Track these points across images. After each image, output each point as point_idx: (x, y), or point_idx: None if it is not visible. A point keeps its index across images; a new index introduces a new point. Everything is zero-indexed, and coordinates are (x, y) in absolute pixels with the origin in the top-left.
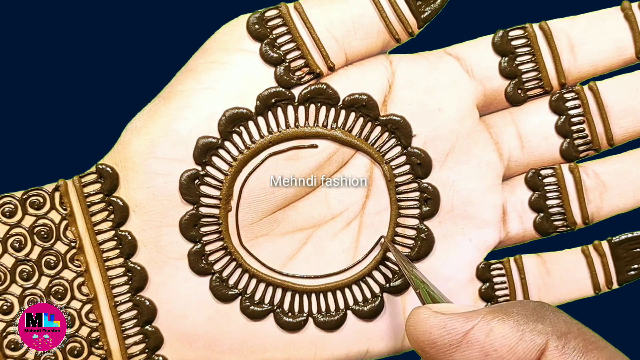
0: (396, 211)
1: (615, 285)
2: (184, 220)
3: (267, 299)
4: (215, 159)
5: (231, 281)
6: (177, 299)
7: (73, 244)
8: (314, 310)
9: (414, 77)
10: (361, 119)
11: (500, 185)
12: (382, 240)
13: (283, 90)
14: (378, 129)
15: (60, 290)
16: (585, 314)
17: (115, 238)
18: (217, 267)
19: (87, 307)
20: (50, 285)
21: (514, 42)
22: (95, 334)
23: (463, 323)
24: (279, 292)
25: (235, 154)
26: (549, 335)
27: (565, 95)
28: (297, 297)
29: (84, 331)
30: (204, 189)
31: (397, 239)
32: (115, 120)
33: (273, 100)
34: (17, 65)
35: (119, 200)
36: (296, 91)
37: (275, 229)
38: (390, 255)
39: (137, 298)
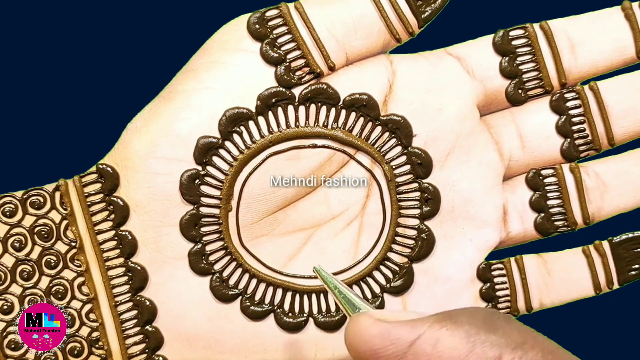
0: (397, 211)
1: (616, 285)
2: (185, 220)
3: (267, 299)
4: (215, 159)
5: (231, 281)
6: (177, 299)
7: (73, 244)
8: (315, 310)
9: (415, 77)
10: (362, 119)
11: (501, 185)
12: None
13: (283, 90)
14: (378, 129)
15: (61, 290)
16: (586, 314)
17: (116, 238)
18: (217, 267)
19: (88, 307)
20: (51, 285)
21: (514, 42)
22: (95, 334)
23: (408, 332)
24: (279, 292)
25: (235, 153)
26: (503, 347)
27: (566, 95)
28: (297, 297)
29: (84, 331)
30: (205, 188)
31: (398, 239)
32: (115, 120)
33: (273, 100)
34: (17, 65)
35: (119, 200)
36: (296, 91)
37: (275, 229)
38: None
39: (138, 298)
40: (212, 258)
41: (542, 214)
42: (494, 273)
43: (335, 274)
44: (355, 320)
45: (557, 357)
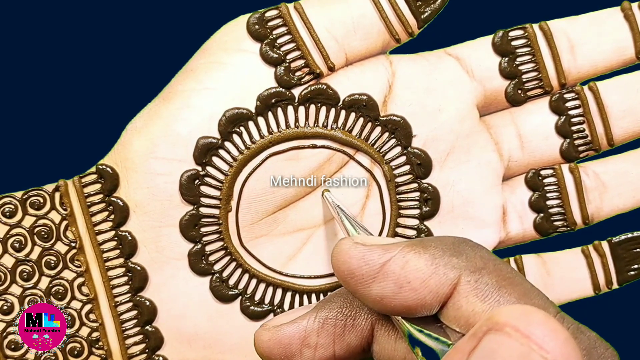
0: (396, 211)
1: (615, 286)
2: (184, 221)
3: (267, 299)
4: (215, 159)
5: (231, 281)
6: (177, 299)
7: (73, 244)
8: None
9: (414, 78)
10: (361, 119)
11: (500, 186)
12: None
13: (283, 90)
14: (378, 129)
15: (61, 291)
16: (586, 314)
17: (116, 238)
18: (217, 267)
19: (87, 307)
20: (51, 285)
21: (514, 43)
22: (95, 334)
23: (381, 254)
24: (279, 292)
25: (235, 154)
26: (463, 270)
27: (566, 96)
28: (297, 297)
29: (84, 331)
30: (204, 189)
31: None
32: (115, 121)
33: (273, 101)
34: (17, 65)
35: (119, 201)
36: (296, 91)
37: (275, 229)
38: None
39: (138, 298)
40: (212, 258)
41: (542, 214)
42: None
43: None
44: (338, 244)
45: (512, 283)
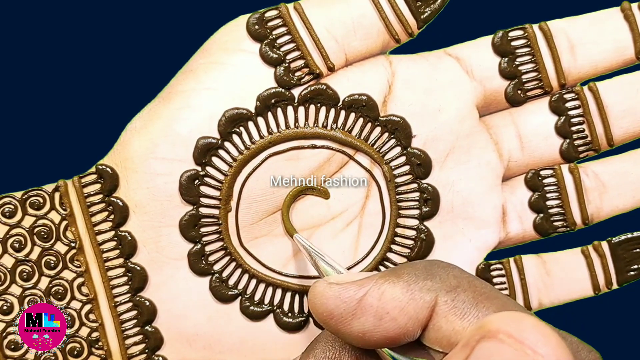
0: (396, 212)
1: (615, 286)
2: (184, 221)
3: (267, 299)
4: (215, 160)
5: (231, 281)
6: (177, 299)
7: (73, 245)
8: None
9: (414, 78)
10: (361, 120)
11: (500, 186)
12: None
13: (283, 90)
14: (378, 130)
15: (60, 291)
16: (585, 314)
17: (115, 238)
18: (217, 267)
19: (87, 307)
20: (50, 285)
21: (513, 43)
22: (95, 334)
23: (356, 290)
24: (278, 292)
25: (235, 154)
26: (438, 291)
27: (565, 96)
28: (297, 297)
29: (84, 331)
30: (204, 189)
31: (397, 239)
32: (115, 121)
33: (273, 101)
34: (17, 65)
35: (118, 201)
36: (296, 92)
37: (275, 229)
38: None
39: (137, 298)
40: (211, 258)
41: (541, 215)
42: (493, 273)
43: None
44: (313, 287)
45: (487, 297)
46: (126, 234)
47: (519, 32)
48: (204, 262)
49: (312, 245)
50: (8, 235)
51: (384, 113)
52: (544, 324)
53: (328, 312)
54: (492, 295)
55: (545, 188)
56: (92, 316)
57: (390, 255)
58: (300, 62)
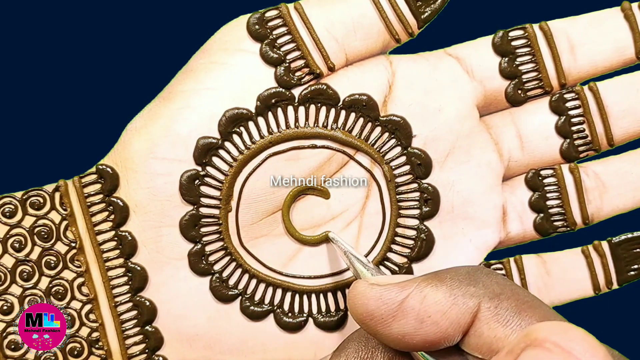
0: (396, 211)
1: (615, 286)
2: (184, 221)
3: (267, 299)
4: (215, 159)
5: (231, 281)
6: (177, 299)
7: (73, 244)
8: (314, 310)
9: (414, 78)
10: (361, 120)
11: (500, 186)
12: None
13: (283, 90)
14: (378, 130)
15: (61, 291)
16: (585, 314)
17: (116, 238)
18: (217, 267)
19: (87, 307)
20: (51, 285)
21: (514, 43)
22: (95, 334)
23: (398, 292)
24: (279, 292)
25: (235, 154)
26: (481, 297)
27: (566, 96)
28: (297, 297)
29: (84, 331)
30: (204, 189)
31: (397, 239)
32: (115, 121)
33: (273, 101)
34: (17, 65)
35: (119, 201)
36: (296, 91)
37: (275, 229)
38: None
39: (137, 298)
40: (212, 258)
41: (542, 214)
42: None
43: (335, 273)
44: (353, 287)
45: (531, 307)
46: (126, 234)
47: (519, 32)
48: (204, 262)
49: (348, 244)
50: (8, 235)
51: (384, 113)
52: (591, 336)
53: (368, 312)
54: (535, 304)
55: (546, 188)
56: (92, 316)
57: (390, 255)
58: (301, 62)
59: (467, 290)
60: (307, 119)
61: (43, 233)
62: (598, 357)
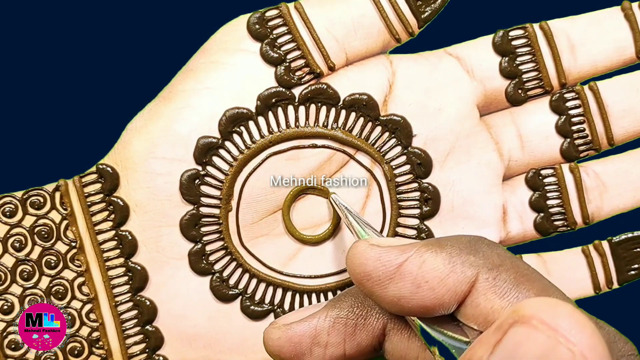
0: (396, 211)
1: (615, 285)
2: (185, 220)
3: (267, 299)
4: (215, 159)
5: (231, 281)
6: (177, 299)
7: (73, 244)
8: None
9: (415, 77)
10: (361, 119)
11: (501, 185)
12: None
13: (283, 90)
14: (378, 129)
15: (61, 290)
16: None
17: (116, 238)
18: (217, 267)
19: (88, 307)
20: (51, 285)
21: (514, 42)
22: (95, 334)
23: (397, 255)
24: (279, 292)
25: (235, 153)
26: (480, 267)
27: (566, 95)
28: (297, 297)
29: (85, 331)
30: (205, 188)
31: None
32: (115, 120)
33: (273, 100)
34: (17, 65)
35: (119, 200)
36: (296, 91)
37: (275, 229)
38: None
39: (138, 298)
40: (212, 258)
41: (542, 214)
42: None
43: (335, 273)
44: (353, 246)
45: (529, 279)
46: (127, 233)
47: (519, 32)
48: (204, 262)
49: (349, 206)
50: (8, 235)
51: (384, 112)
52: (581, 311)
53: (366, 273)
54: (534, 277)
55: (546, 187)
56: (92, 316)
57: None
58: (301, 62)
59: (466, 259)
60: (307, 118)
61: (43, 233)
62: (585, 333)
